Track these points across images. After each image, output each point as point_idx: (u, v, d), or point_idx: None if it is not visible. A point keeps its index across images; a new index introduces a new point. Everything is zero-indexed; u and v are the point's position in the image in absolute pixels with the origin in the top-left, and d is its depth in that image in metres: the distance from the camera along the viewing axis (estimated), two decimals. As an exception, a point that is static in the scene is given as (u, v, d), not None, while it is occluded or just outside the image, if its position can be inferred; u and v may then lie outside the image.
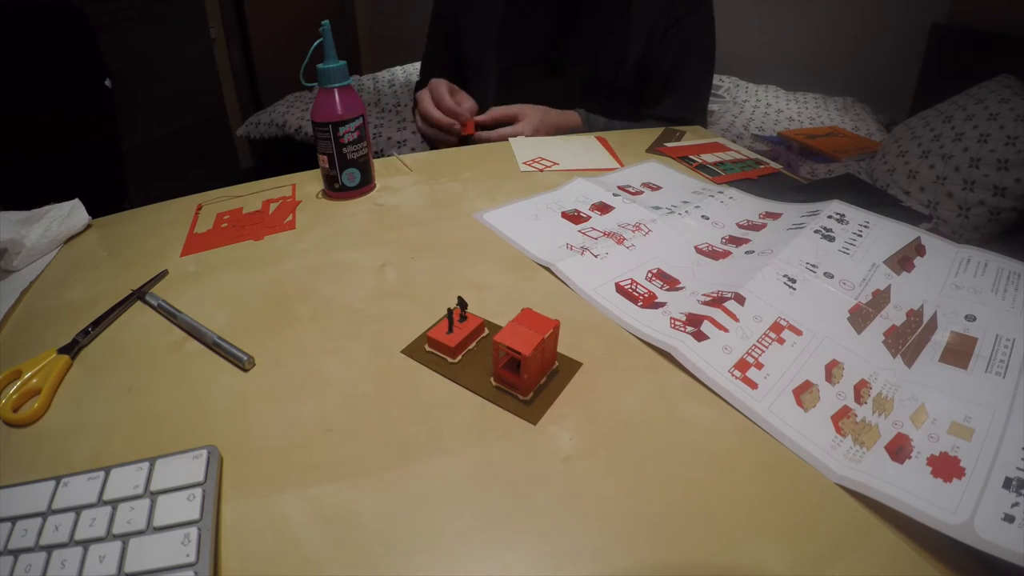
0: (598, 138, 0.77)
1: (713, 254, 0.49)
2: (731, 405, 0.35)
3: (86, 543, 0.27)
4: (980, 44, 1.75)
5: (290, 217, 0.59)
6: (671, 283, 0.46)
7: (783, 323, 0.39)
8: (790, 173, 0.68)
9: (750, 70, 2.30)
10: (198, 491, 0.29)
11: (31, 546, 0.27)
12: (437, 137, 0.82)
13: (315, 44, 0.58)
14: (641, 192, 0.61)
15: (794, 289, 0.41)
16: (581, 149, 0.74)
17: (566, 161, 0.70)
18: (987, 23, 1.76)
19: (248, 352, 0.39)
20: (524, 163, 0.69)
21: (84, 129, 1.11)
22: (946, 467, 0.28)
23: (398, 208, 0.60)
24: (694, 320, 0.40)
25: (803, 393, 0.35)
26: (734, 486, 0.30)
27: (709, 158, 0.70)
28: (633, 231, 0.52)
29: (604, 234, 0.52)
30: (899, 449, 0.30)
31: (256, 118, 2.10)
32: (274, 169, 0.73)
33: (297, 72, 0.61)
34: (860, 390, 0.35)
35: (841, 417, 0.33)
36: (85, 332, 0.43)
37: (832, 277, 0.42)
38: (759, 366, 0.36)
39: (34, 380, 0.38)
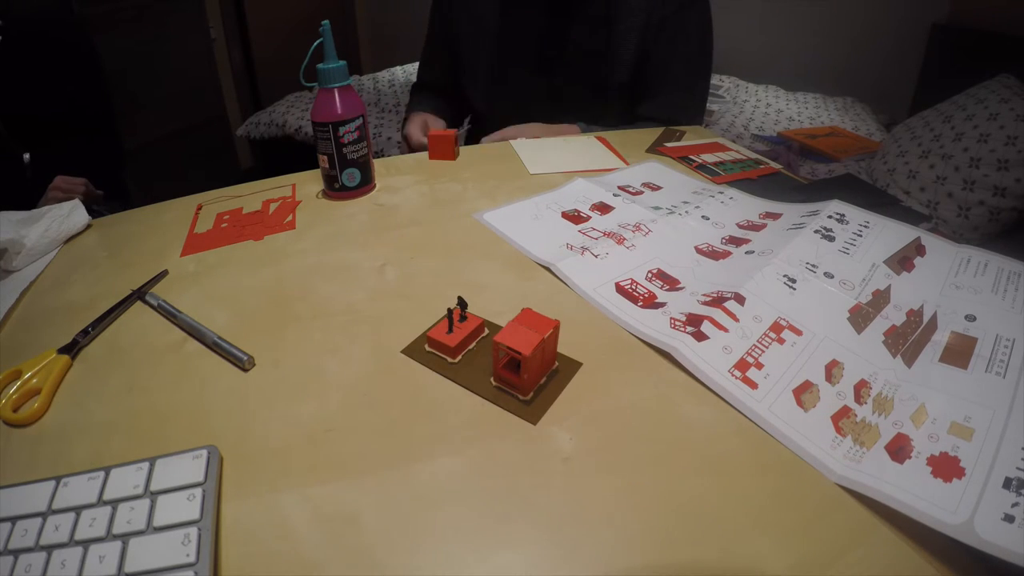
0: (599, 138, 0.77)
1: (713, 254, 0.49)
2: (731, 405, 0.35)
3: (86, 543, 0.27)
4: (980, 44, 1.75)
5: (290, 217, 0.59)
6: (671, 283, 0.46)
7: (783, 323, 0.39)
8: (790, 173, 0.68)
9: (750, 70, 2.30)
10: (198, 491, 0.29)
11: (31, 546, 0.27)
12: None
13: (315, 44, 0.58)
14: (641, 192, 0.61)
15: (794, 289, 0.41)
16: (584, 149, 0.74)
17: (569, 162, 0.69)
18: (987, 23, 1.76)
19: (248, 352, 0.39)
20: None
21: (83, 132, 1.11)
22: (946, 467, 0.28)
23: (398, 208, 0.60)
24: (694, 320, 0.40)
25: (803, 393, 0.35)
26: (734, 486, 0.30)
27: (709, 158, 0.70)
28: (633, 231, 0.52)
29: (604, 234, 0.52)
30: (899, 449, 0.30)
31: (256, 118, 2.10)
32: (274, 169, 0.73)
33: (297, 72, 0.61)
34: (860, 390, 0.35)
35: (841, 417, 0.33)
36: (85, 332, 0.43)
37: (832, 277, 0.42)
38: (759, 366, 0.36)
39: (34, 380, 0.38)
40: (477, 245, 0.53)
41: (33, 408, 0.36)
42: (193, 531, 0.27)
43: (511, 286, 0.47)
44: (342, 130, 0.59)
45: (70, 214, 0.59)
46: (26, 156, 0.99)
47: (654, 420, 0.34)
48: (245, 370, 0.39)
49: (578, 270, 0.47)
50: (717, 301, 0.41)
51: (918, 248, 0.45)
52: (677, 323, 0.40)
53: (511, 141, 0.76)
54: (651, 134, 0.79)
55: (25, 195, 0.88)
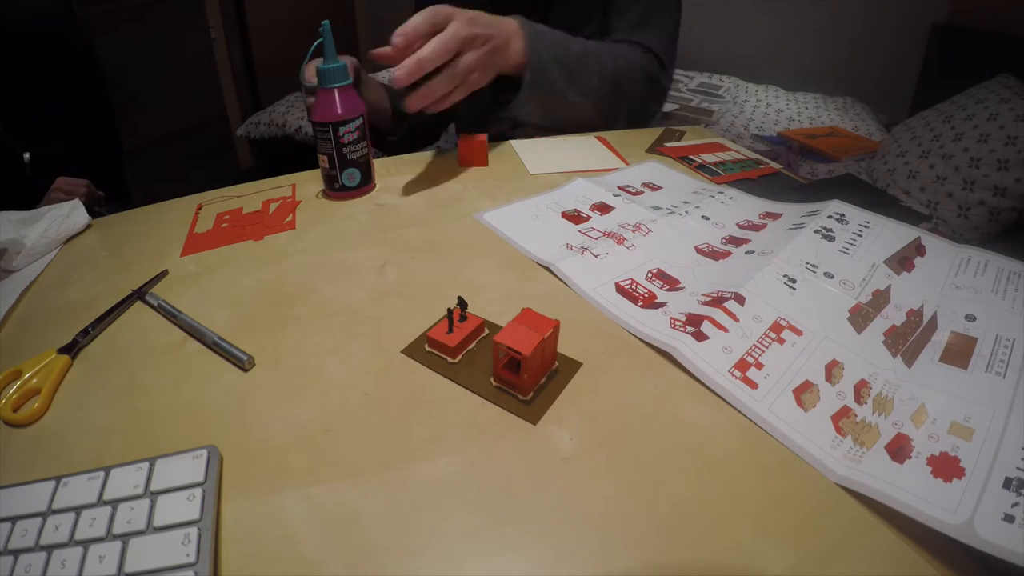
0: (599, 138, 0.77)
1: (713, 254, 0.49)
2: (731, 405, 0.35)
3: (86, 543, 0.27)
4: (980, 44, 1.75)
5: (290, 217, 0.59)
6: (671, 283, 0.46)
7: (783, 323, 0.39)
8: (790, 173, 0.68)
9: (750, 70, 2.31)
10: (198, 491, 0.29)
11: (31, 546, 0.27)
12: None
13: (315, 44, 0.58)
14: (641, 192, 0.61)
15: (794, 289, 0.41)
16: (584, 149, 0.74)
17: (569, 162, 0.69)
18: (987, 23, 1.76)
19: (248, 352, 0.39)
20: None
21: (82, 131, 1.11)
22: (946, 467, 0.28)
23: (398, 208, 0.60)
24: (694, 320, 0.40)
25: (803, 393, 0.35)
26: (734, 486, 0.30)
27: (709, 158, 0.70)
28: (633, 231, 0.52)
29: (604, 234, 0.52)
30: (899, 449, 0.30)
31: (256, 118, 2.10)
32: (274, 169, 0.73)
33: (297, 72, 0.61)
34: (860, 390, 0.35)
35: (841, 417, 0.33)
36: (85, 332, 0.43)
37: (832, 277, 0.42)
38: (759, 366, 0.36)
39: (34, 380, 0.38)
40: (477, 245, 0.53)
41: (33, 408, 0.36)
42: (193, 531, 0.27)
43: (511, 286, 0.47)
44: (342, 130, 0.59)
45: (70, 214, 0.59)
46: (26, 156, 0.99)
47: (654, 420, 0.34)
48: (245, 370, 0.39)
49: (578, 270, 0.47)
50: (717, 301, 0.41)
51: (918, 248, 0.45)
52: (677, 323, 0.40)
53: (511, 142, 0.76)
54: (651, 134, 0.79)
55: (25, 195, 0.88)
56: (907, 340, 0.37)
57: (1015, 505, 0.25)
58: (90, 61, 1.17)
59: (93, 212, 0.63)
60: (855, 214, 0.49)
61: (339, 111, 0.58)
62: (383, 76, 2.36)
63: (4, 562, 0.26)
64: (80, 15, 1.37)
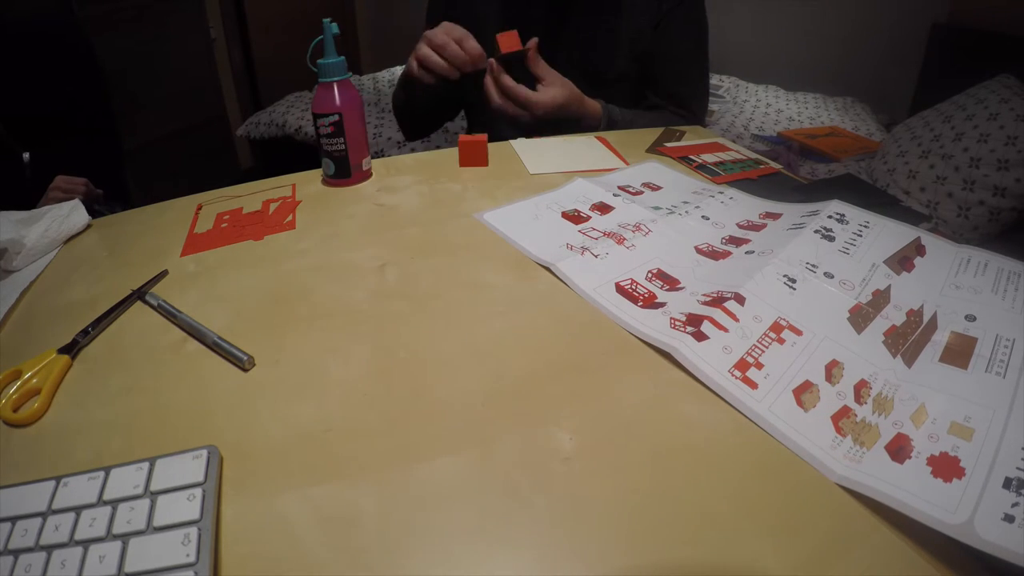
0: (599, 138, 0.77)
1: (713, 254, 0.49)
2: (731, 405, 0.35)
3: (86, 543, 0.27)
4: (980, 44, 1.75)
5: (290, 217, 0.59)
6: (671, 283, 0.46)
7: (783, 323, 0.39)
8: (790, 173, 0.68)
9: (750, 70, 2.30)
10: (198, 491, 0.29)
11: (31, 546, 0.27)
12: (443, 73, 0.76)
13: (315, 41, 0.61)
14: (641, 192, 0.61)
15: (794, 289, 0.41)
16: (584, 149, 0.74)
17: (569, 162, 0.69)
18: (987, 23, 1.76)
19: (248, 352, 0.39)
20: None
21: (82, 131, 1.11)
22: (946, 467, 0.28)
23: (398, 208, 0.60)
24: (694, 320, 0.40)
25: (803, 393, 0.35)
26: (734, 486, 0.30)
27: (709, 158, 0.70)
28: (633, 231, 0.52)
29: (604, 234, 0.52)
30: (899, 449, 0.30)
31: (256, 118, 2.10)
32: (274, 169, 0.73)
33: (297, 71, 0.62)
34: (860, 390, 0.35)
35: (841, 417, 0.33)
36: (85, 332, 0.43)
37: (832, 277, 0.42)
38: (759, 366, 0.36)
39: (34, 380, 0.38)
40: (477, 245, 0.53)
41: (33, 408, 0.36)
42: (193, 531, 0.27)
43: (511, 286, 0.47)
44: (318, 122, 0.63)
45: (70, 214, 0.59)
46: (26, 155, 0.99)
47: (654, 420, 0.34)
48: (245, 370, 0.39)
49: (578, 270, 0.47)
50: (717, 301, 0.41)
51: (918, 248, 0.45)
52: (677, 323, 0.40)
53: (512, 141, 0.76)
54: (651, 134, 0.79)
55: (25, 195, 0.88)
56: (907, 340, 0.37)
57: (1015, 505, 0.25)
58: (90, 61, 1.17)
59: (93, 211, 0.63)
60: (855, 214, 0.49)
61: (320, 105, 0.62)
62: (383, 75, 2.37)
63: (4, 562, 0.26)
64: (80, 15, 1.38)
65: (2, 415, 0.36)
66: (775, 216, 0.53)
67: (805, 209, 0.52)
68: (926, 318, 0.39)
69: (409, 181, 0.66)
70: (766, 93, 2.18)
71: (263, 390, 0.37)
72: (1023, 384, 0.32)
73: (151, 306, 0.46)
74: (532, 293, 0.46)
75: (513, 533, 0.28)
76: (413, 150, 1.75)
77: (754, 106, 2.04)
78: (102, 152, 1.18)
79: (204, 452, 0.31)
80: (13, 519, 0.28)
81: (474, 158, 0.70)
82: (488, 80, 0.77)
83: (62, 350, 0.41)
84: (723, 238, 0.51)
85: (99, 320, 0.44)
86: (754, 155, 0.72)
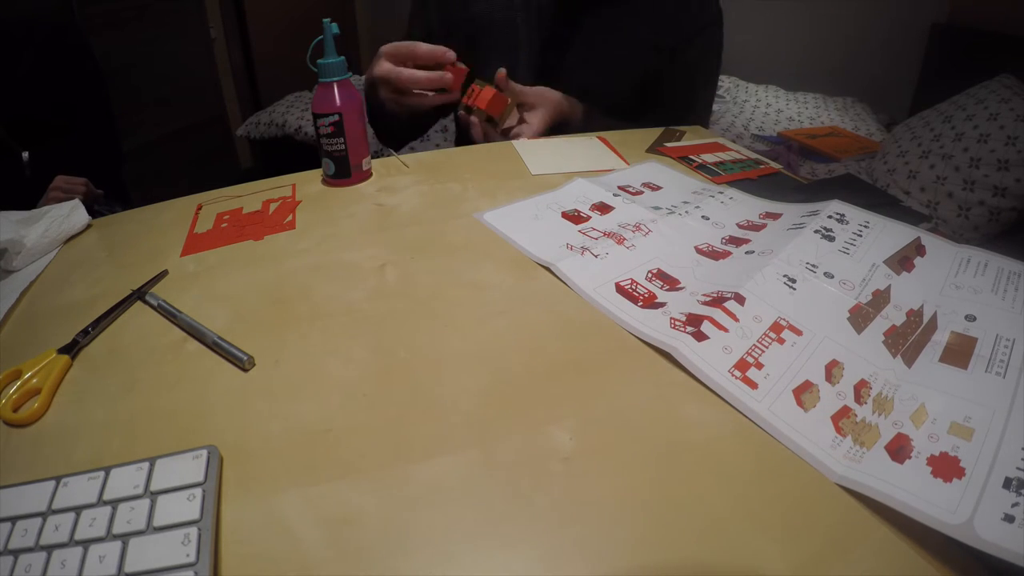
0: (600, 138, 0.77)
1: (713, 254, 0.49)
2: (731, 405, 0.35)
3: (86, 543, 0.27)
4: (980, 44, 1.75)
5: (290, 217, 0.59)
6: (671, 283, 0.46)
7: (783, 323, 0.39)
8: (790, 173, 0.68)
9: (750, 70, 2.30)
10: (198, 491, 0.29)
11: (31, 546, 0.27)
12: (415, 106, 0.75)
13: (315, 41, 0.60)
14: (641, 192, 0.61)
15: (794, 289, 0.41)
16: (585, 149, 0.74)
17: (570, 162, 0.69)
18: (987, 23, 1.76)
19: (248, 352, 0.39)
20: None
21: (82, 131, 1.11)
22: (946, 467, 0.28)
23: (398, 208, 0.60)
24: (694, 320, 0.40)
25: (803, 393, 0.35)
26: (734, 486, 0.30)
27: (709, 158, 0.70)
28: (633, 231, 0.52)
29: (604, 234, 0.52)
30: (899, 449, 0.30)
31: (256, 118, 2.10)
32: (274, 169, 0.73)
33: (297, 71, 0.62)
34: (860, 390, 0.35)
35: (841, 417, 0.33)
36: (85, 332, 0.43)
37: (832, 277, 0.42)
38: (759, 366, 0.36)
39: (34, 380, 0.38)
40: (477, 245, 0.53)
41: (33, 408, 0.36)
42: (193, 531, 0.27)
43: (511, 286, 0.47)
44: (318, 121, 0.62)
45: (70, 214, 0.59)
46: (25, 155, 0.99)
47: (654, 420, 0.34)
48: (245, 370, 0.39)
49: (578, 270, 0.47)
50: (717, 301, 0.41)
51: (918, 248, 0.45)
52: (677, 323, 0.40)
53: (513, 142, 0.76)
54: (651, 134, 0.79)
55: (25, 194, 0.88)
56: (907, 340, 0.37)
57: (1015, 505, 0.25)
58: (90, 61, 1.17)
59: (93, 211, 0.63)
60: (855, 214, 0.49)
61: (320, 105, 0.62)
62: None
63: (4, 562, 0.26)
64: (80, 15, 1.38)
65: (2, 415, 0.36)
66: (775, 216, 0.53)
67: (805, 209, 0.52)
68: (926, 318, 0.39)
69: (409, 181, 0.66)
70: (766, 93, 2.18)
71: (263, 390, 0.37)
72: (1023, 384, 0.32)
73: (151, 306, 0.46)
74: (532, 293, 0.46)
75: (513, 533, 0.28)
76: (413, 149, 1.75)
77: (754, 106, 2.04)
78: (102, 152, 1.18)
79: (204, 452, 0.31)
80: (13, 519, 0.28)
81: (495, 107, 0.73)
82: (477, 133, 0.76)
83: (62, 350, 0.41)
84: (723, 238, 0.51)
85: (99, 320, 0.44)
86: (754, 155, 0.72)
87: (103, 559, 0.26)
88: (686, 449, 0.32)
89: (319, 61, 0.61)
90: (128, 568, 0.26)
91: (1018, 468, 0.27)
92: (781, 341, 0.38)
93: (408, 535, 0.28)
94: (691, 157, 0.70)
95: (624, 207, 0.57)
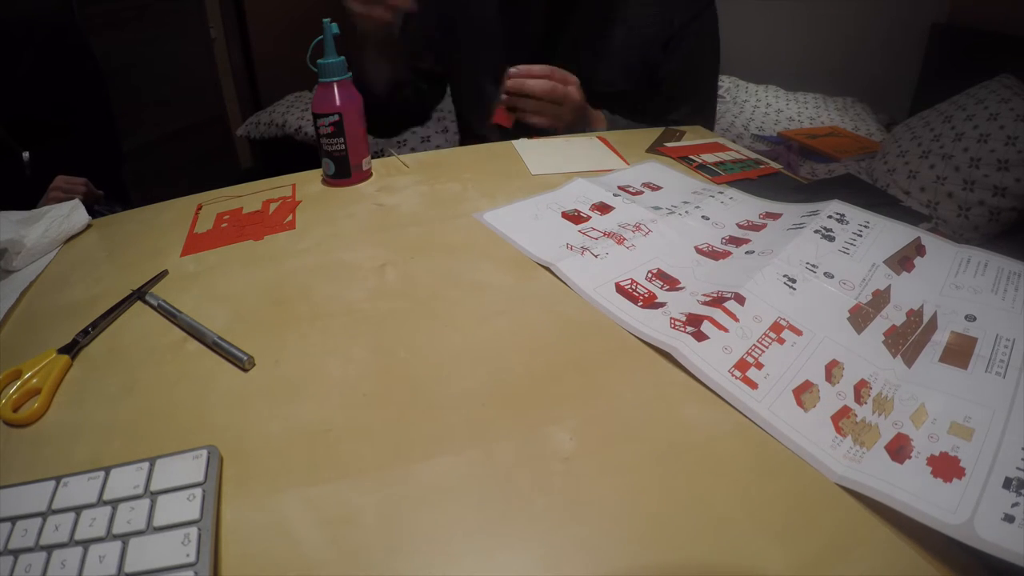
0: (600, 138, 0.77)
1: (713, 254, 0.49)
2: (731, 405, 0.35)
3: (86, 543, 0.27)
4: (980, 44, 1.75)
5: (290, 217, 0.59)
6: (671, 283, 0.46)
7: (783, 323, 0.39)
8: (790, 173, 0.68)
9: (750, 70, 2.30)
10: (198, 491, 0.29)
11: (31, 546, 0.27)
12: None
13: (315, 41, 0.61)
14: (641, 192, 0.61)
15: (794, 289, 0.41)
16: (585, 149, 0.74)
17: (571, 162, 0.69)
18: (987, 23, 1.76)
19: (248, 352, 0.39)
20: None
21: (82, 131, 1.11)
22: (946, 467, 0.28)
23: (398, 208, 0.60)
24: (694, 320, 0.40)
25: (803, 393, 0.35)
26: (734, 486, 0.30)
27: (709, 158, 0.70)
28: (633, 231, 0.52)
29: (604, 234, 0.52)
30: (899, 449, 0.30)
31: (256, 118, 2.10)
32: (274, 169, 0.73)
33: (297, 71, 0.62)
34: (860, 390, 0.35)
35: (841, 417, 0.33)
36: (85, 332, 0.43)
37: (832, 277, 0.42)
38: (759, 366, 0.36)
39: (34, 380, 0.38)
40: (477, 245, 0.53)
41: (33, 408, 0.36)
42: (193, 531, 0.27)
43: (511, 286, 0.47)
44: (318, 121, 0.62)
45: (70, 214, 0.59)
46: (25, 155, 0.99)
47: (654, 420, 0.34)
48: (245, 370, 0.39)
49: (578, 270, 0.47)
50: (717, 301, 0.41)
51: (918, 248, 0.45)
52: (677, 323, 0.40)
53: (513, 142, 0.76)
54: (651, 134, 0.79)
55: (25, 194, 0.88)
56: (907, 340, 0.37)
57: (1015, 505, 0.25)
58: (90, 61, 1.17)
59: (93, 212, 0.63)
60: (855, 214, 0.49)
61: (320, 105, 0.62)
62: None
63: (4, 562, 0.26)
64: (80, 15, 1.38)
65: (2, 415, 0.36)
66: (775, 216, 0.53)
67: (805, 209, 0.52)
68: (926, 318, 0.39)
69: (409, 181, 0.66)
70: (766, 93, 2.18)
71: (263, 390, 0.37)
72: (1023, 384, 0.32)
73: (151, 306, 0.46)
74: (532, 293, 0.46)
75: (513, 533, 0.28)
76: (413, 149, 1.75)
77: (754, 106, 2.04)
78: (102, 152, 1.18)
79: (204, 452, 0.31)
80: (13, 519, 0.28)
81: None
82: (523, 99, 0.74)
83: (62, 350, 0.41)
84: (723, 238, 0.51)
85: (99, 320, 0.44)
86: (754, 155, 0.72)
87: (103, 559, 0.26)
88: (686, 449, 0.32)
89: (319, 61, 0.61)
90: (128, 568, 0.26)
91: (1018, 468, 0.27)
92: (781, 341, 0.38)
93: (408, 535, 0.28)
94: (691, 157, 0.70)
95: (624, 207, 0.57)
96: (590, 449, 0.32)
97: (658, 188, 0.62)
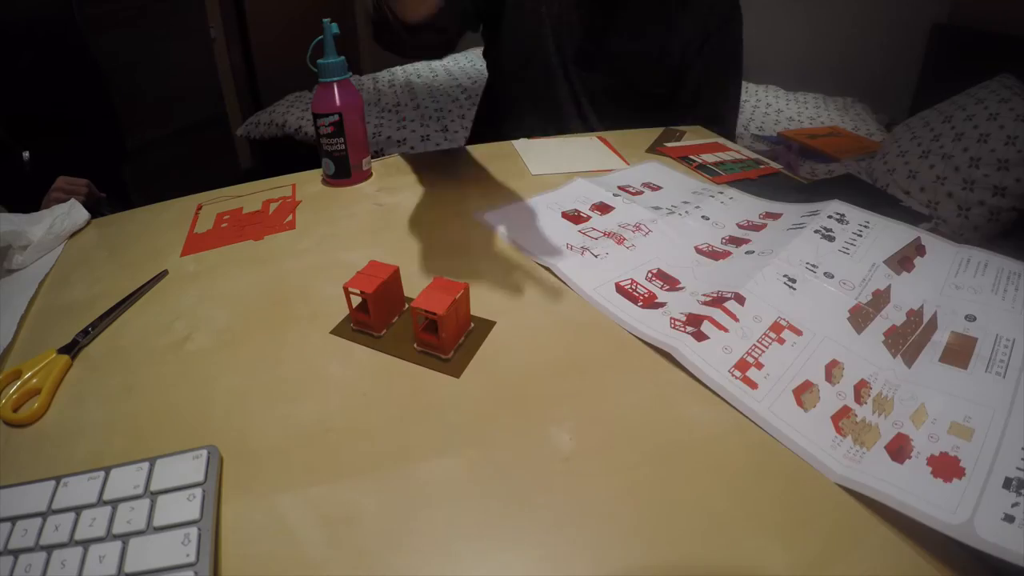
0: (600, 138, 0.77)
1: (713, 254, 0.49)
2: (731, 405, 0.35)
3: (86, 543, 0.27)
4: (980, 44, 1.75)
5: (290, 217, 0.59)
6: (671, 283, 0.46)
7: (783, 323, 0.39)
8: (790, 173, 0.68)
9: (750, 70, 2.30)
10: (198, 491, 0.29)
11: (31, 546, 0.27)
12: None
13: (315, 41, 0.60)
14: (641, 192, 0.61)
15: (794, 289, 0.41)
16: (585, 149, 0.74)
17: (571, 163, 0.69)
18: (987, 23, 1.76)
19: (248, 352, 0.39)
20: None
21: (82, 131, 1.12)
22: (946, 467, 0.28)
23: (398, 208, 0.60)
24: (694, 320, 0.40)
25: (803, 393, 0.35)
26: (734, 486, 0.30)
27: (709, 158, 0.70)
28: (633, 231, 0.52)
29: (604, 234, 0.52)
30: (899, 449, 0.30)
31: (256, 118, 2.10)
32: (274, 169, 0.73)
33: (297, 71, 0.61)
34: (860, 390, 0.35)
35: (841, 417, 0.33)
36: (85, 332, 0.43)
37: (832, 277, 0.42)
38: (759, 366, 0.36)
39: (34, 380, 0.38)
40: (477, 245, 0.53)
41: (33, 408, 0.36)
42: (193, 531, 0.27)
43: (511, 286, 0.47)
44: (318, 121, 0.62)
45: (70, 213, 0.60)
46: (25, 154, 0.99)
47: (654, 420, 0.34)
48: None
49: (578, 270, 0.47)
50: (717, 301, 0.41)
51: (918, 248, 0.45)
52: (677, 323, 0.40)
53: (514, 142, 0.76)
54: (651, 134, 0.79)
55: (26, 193, 0.88)
56: (907, 340, 0.37)
57: (1015, 505, 0.25)
58: (90, 61, 1.17)
59: (100, 212, 0.63)
60: (855, 214, 0.49)
61: (320, 105, 0.62)
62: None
63: (4, 562, 0.26)
64: (80, 15, 1.38)
65: (2, 415, 0.36)
66: (775, 216, 0.53)
67: (805, 209, 0.52)
68: (926, 318, 0.39)
69: (409, 181, 0.66)
70: (766, 93, 2.18)
71: (263, 390, 0.37)
72: (1023, 384, 0.32)
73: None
74: (532, 293, 0.46)
75: (513, 533, 0.28)
76: (412, 148, 1.75)
77: (754, 106, 2.04)
78: (102, 151, 1.19)
79: (204, 452, 0.31)
80: (13, 519, 0.28)
81: None
82: None
83: (62, 350, 0.41)
84: (723, 238, 0.51)
85: (99, 320, 0.44)
86: (754, 155, 0.72)
87: (103, 559, 0.26)
88: (686, 449, 0.32)
89: (319, 61, 0.61)
90: (128, 568, 0.26)
91: (1018, 468, 0.27)
92: (781, 341, 0.38)
93: (408, 535, 0.28)
94: (691, 157, 0.70)
95: (624, 207, 0.57)
96: (590, 449, 0.32)
97: (658, 188, 0.62)
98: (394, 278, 0.42)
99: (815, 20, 2.17)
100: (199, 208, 0.63)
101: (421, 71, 2.38)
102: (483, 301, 0.44)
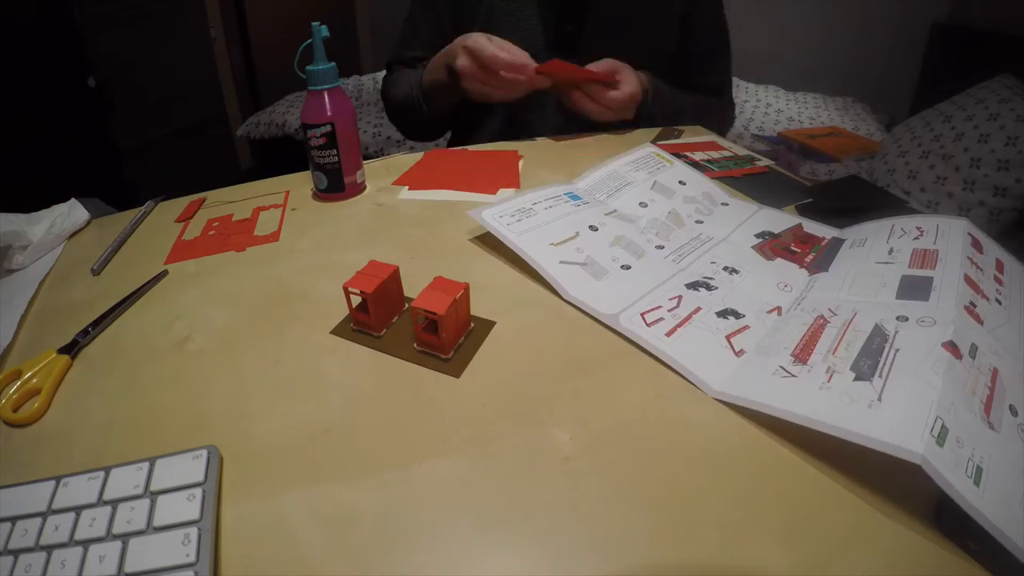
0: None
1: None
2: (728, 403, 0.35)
3: (86, 543, 0.27)
4: (980, 44, 1.75)
5: (275, 228, 0.57)
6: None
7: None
8: (790, 173, 0.68)
9: (750, 70, 2.30)
10: (198, 491, 0.29)
11: (31, 546, 0.27)
12: (492, 88, 0.71)
13: (303, 45, 0.57)
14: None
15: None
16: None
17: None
18: (987, 23, 1.76)
19: (248, 352, 0.39)
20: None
21: (69, 129, 1.11)
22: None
23: (398, 208, 0.60)
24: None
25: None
26: (734, 486, 0.30)
27: (700, 156, 0.70)
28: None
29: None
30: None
31: (256, 118, 2.10)
32: (274, 169, 0.73)
33: (296, 72, 0.61)
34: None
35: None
36: (85, 332, 0.43)
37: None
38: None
39: (34, 380, 0.38)
40: (477, 245, 0.53)
41: (33, 408, 0.36)
42: (193, 531, 0.27)
43: (511, 286, 0.47)
44: (309, 133, 0.58)
45: (70, 212, 0.60)
46: (24, 153, 0.99)
47: (654, 420, 0.34)
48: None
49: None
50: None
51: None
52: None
53: (514, 143, 0.76)
54: (650, 134, 0.79)
55: (25, 192, 0.88)
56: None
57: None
58: (89, 61, 1.17)
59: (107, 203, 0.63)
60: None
61: (310, 115, 0.58)
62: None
63: (4, 562, 0.26)
64: (80, 15, 1.38)
65: (2, 415, 0.36)
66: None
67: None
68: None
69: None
70: (766, 93, 2.18)
71: (263, 390, 0.37)
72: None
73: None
74: (532, 293, 0.46)
75: (513, 533, 0.28)
76: (412, 148, 1.75)
77: (754, 106, 2.04)
78: (101, 152, 1.19)
79: (204, 452, 0.31)
80: (13, 519, 0.28)
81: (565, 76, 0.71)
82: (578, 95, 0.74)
83: (62, 350, 0.41)
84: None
85: (99, 320, 0.44)
86: (745, 152, 0.72)
87: (103, 559, 0.26)
88: (686, 449, 0.32)
89: (308, 68, 0.57)
90: (128, 568, 0.26)
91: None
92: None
93: (408, 535, 0.28)
94: (685, 154, 0.70)
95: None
96: (590, 449, 0.32)
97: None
98: (394, 278, 0.42)
99: (815, 20, 2.18)
100: (193, 213, 0.62)
101: (421, 71, 2.37)
102: (483, 301, 0.44)
